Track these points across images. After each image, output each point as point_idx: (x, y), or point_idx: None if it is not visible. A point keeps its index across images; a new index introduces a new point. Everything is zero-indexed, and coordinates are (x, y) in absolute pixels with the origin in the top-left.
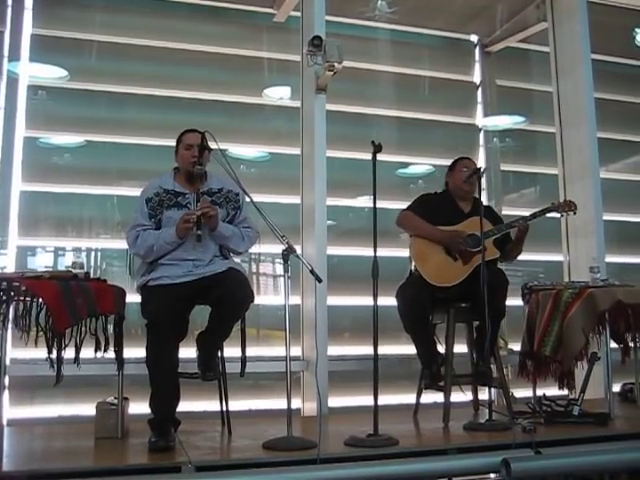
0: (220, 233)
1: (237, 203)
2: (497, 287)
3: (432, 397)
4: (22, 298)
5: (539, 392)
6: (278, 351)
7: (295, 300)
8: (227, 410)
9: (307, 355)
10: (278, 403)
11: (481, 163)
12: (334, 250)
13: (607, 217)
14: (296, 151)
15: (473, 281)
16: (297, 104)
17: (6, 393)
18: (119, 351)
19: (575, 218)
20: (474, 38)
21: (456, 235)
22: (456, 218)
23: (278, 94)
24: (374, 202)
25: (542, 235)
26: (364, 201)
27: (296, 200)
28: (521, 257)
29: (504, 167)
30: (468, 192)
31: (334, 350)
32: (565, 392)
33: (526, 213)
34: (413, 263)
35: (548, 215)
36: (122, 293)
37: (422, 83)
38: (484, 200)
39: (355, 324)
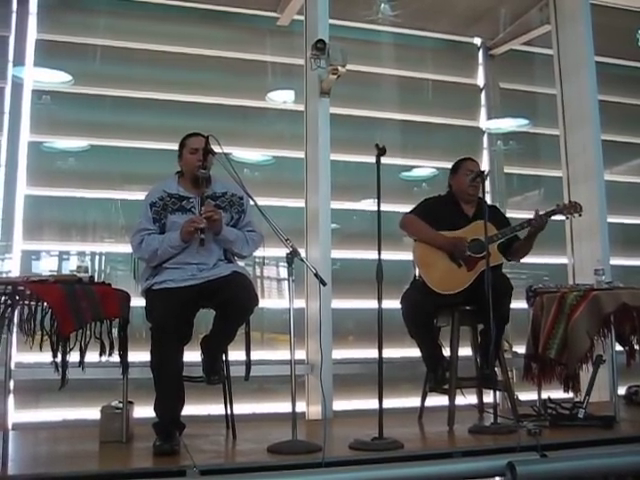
0: (224, 237)
1: (241, 207)
2: (501, 293)
3: (437, 400)
4: (27, 302)
5: (544, 395)
6: (282, 354)
7: (299, 303)
8: (232, 414)
9: (312, 358)
10: (283, 406)
11: (485, 166)
12: (338, 253)
13: (611, 219)
14: (300, 154)
15: (477, 287)
16: (301, 107)
17: (11, 397)
18: (124, 355)
19: (580, 220)
20: (477, 41)
21: (459, 242)
22: (460, 222)
23: (282, 98)
24: (378, 205)
25: (547, 238)
26: (368, 204)
27: (300, 203)
28: (526, 260)
29: (508, 170)
30: (473, 195)
31: (338, 353)
32: (570, 395)
33: (530, 216)
34: (417, 269)
35: (553, 217)
36: (127, 297)
37: (426, 86)
38: (488, 202)
39: (359, 327)
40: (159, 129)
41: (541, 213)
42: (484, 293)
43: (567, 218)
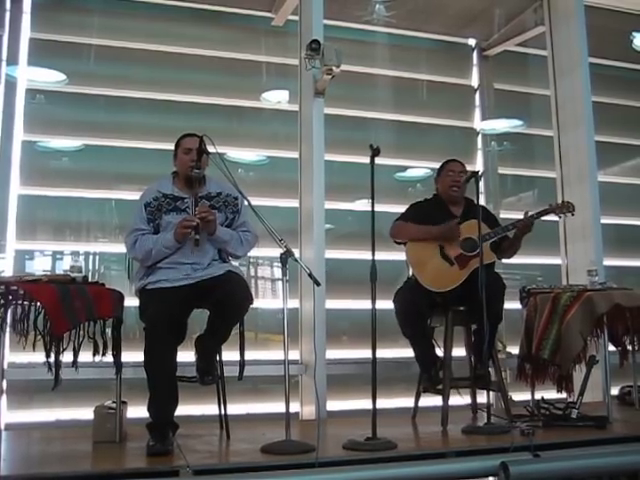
0: (219, 237)
1: (236, 207)
2: (494, 291)
3: (431, 400)
4: (20, 302)
5: (537, 395)
6: (276, 355)
7: (293, 304)
8: (225, 414)
9: (305, 359)
10: (276, 407)
11: (479, 166)
12: (332, 254)
13: (605, 220)
14: (294, 155)
15: (470, 285)
16: (295, 108)
17: (4, 397)
18: (117, 355)
19: (573, 221)
20: (472, 42)
21: (449, 228)
22: None
23: (276, 98)
24: (372, 206)
25: (540, 238)
26: (362, 205)
27: (294, 204)
28: (519, 260)
29: (502, 170)
30: (455, 196)
31: (332, 354)
32: (563, 395)
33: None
34: (410, 268)
35: (547, 218)
36: (120, 297)
37: (420, 87)
38: (482, 203)
39: (353, 327)
40: (153, 129)
41: (533, 213)
42: (477, 291)
43: (560, 217)
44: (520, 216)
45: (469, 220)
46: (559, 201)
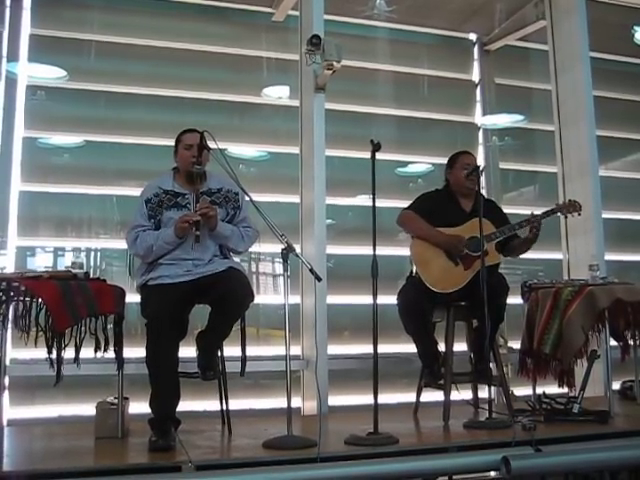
0: (219, 233)
1: (237, 202)
2: (497, 293)
3: (433, 395)
4: (22, 298)
5: (539, 390)
6: (278, 350)
7: (295, 299)
8: (227, 409)
9: (307, 354)
10: (278, 402)
11: (480, 161)
12: (333, 249)
13: (606, 215)
14: (295, 150)
15: (474, 285)
16: (296, 103)
17: (6, 393)
18: (119, 351)
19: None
20: (473, 36)
21: (457, 241)
22: (458, 218)
23: (277, 93)
24: (373, 201)
25: (542, 233)
26: (363, 200)
27: (295, 199)
28: (521, 255)
29: (503, 165)
30: (471, 189)
31: (334, 349)
32: (565, 390)
33: (526, 211)
34: (414, 266)
35: None
36: (122, 293)
37: (421, 82)
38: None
39: (355, 323)
40: (154, 125)
41: (539, 212)
42: (480, 292)
43: (566, 217)
44: (522, 211)
45: (476, 218)
46: (566, 200)
